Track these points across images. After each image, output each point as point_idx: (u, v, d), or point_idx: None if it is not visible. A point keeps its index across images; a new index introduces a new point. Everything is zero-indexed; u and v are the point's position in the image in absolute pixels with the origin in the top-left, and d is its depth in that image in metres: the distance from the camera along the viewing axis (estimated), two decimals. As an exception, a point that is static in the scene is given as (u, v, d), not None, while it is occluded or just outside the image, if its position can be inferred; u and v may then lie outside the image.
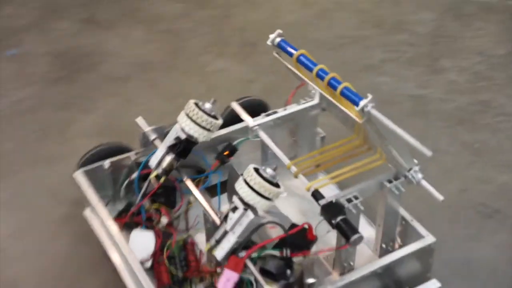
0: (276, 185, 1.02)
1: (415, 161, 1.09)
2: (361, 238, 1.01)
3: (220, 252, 1.03)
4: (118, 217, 1.20)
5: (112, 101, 1.71)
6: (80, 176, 1.26)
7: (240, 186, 1.02)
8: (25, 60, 1.86)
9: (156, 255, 1.14)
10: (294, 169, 1.15)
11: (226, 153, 1.26)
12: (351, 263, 1.14)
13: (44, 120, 1.64)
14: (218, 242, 1.05)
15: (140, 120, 1.26)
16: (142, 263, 1.12)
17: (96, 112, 1.67)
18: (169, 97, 1.72)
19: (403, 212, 1.17)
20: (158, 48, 1.94)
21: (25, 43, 1.94)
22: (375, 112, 0.95)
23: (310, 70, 1.08)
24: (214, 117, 1.16)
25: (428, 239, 1.13)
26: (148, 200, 1.18)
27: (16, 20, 2.07)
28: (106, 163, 1.28)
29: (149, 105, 1.67)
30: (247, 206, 1.01)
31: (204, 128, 1.14)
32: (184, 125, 1.14)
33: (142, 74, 1.81)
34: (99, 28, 2.04)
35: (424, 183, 1.08)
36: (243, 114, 1.29)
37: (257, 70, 1.84)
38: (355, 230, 1.02)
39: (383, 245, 1.19)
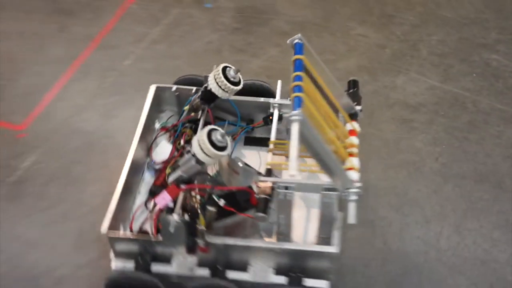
0: (220, 149, 1.28)
1: (356, 183, 1.21)
2: (263, 218, 1.22)
3: (171, 177, 1.39)
4: (164, 127, 1.66)
5: (274, 50, 2.31)
6: (152, 88, 1.68)
7: (194, 138, 1.32)
8: (217, 12, 2.51)
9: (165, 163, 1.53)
10: (271, 146, 1.51)
11: (270, 117, 1.62)
12: (261, 234, 1.45)
13: (224, 59, 2.30)
14: (174, 169, 1.41)
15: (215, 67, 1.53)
16: (154, 162, 1.57)
17: (262, 57, 2.29)
18: (317, 51, 2.27)
19: (336, 215, 1.33)
20: (315, 12, 2.47)
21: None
22: (295, 128, 1.11)
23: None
24: (234, 83, 1.48)
25: (332, 248, 1.32)
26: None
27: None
28: (174, 88, 1.68)
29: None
30: (194, 154, 1.30)
31: (221, 88, 1.48)
32: (209, 82, 1.49)
33: (300, 31, 2.38)
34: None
35: (351, 205, 1.20)
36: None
37: (390, 39, 2.32)
38: (263, 210, 1.22)
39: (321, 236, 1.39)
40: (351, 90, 1.52)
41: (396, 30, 2.36)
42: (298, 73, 1.27)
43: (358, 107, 1.48)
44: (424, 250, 1.64)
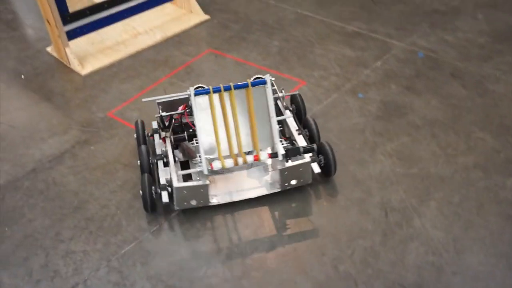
0: None
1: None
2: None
3: None
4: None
5: (407, 138, 2.88)
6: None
7: None
8: (366, 102, 3.17)
9: None
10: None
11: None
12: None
13: (366, 138, 2.92)
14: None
15: None
16: None
17: (396, 142, 2.87)
18: (440, 147, 2.82)
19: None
20: (444, 114, 2.95)
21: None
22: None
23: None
24: None
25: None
26: None
27: None
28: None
29: None
30: None
31: None
32: None
33: (430, 127, 2.94)
34: None
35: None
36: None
37: (505, 146, 2.77)
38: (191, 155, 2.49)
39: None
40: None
41: (510, 139, 2.78)
42: (224, 86, 2.36)
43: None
44: None
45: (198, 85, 2.44)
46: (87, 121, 3.09)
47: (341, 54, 3.54)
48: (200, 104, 2.28)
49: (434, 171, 2.61)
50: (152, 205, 2.32)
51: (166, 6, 4.15)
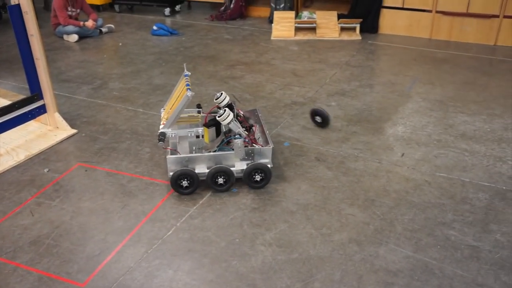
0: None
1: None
2: (160, 142, 3.18)
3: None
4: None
5: (284, 225, 2.95)
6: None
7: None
8: (240, 195, 3.24)
9: None
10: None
11: None
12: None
13: (244, 231, 2.94)
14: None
15: None
16: None
17: (274, 231, 2.93)
18: (316, 227, 2.92)
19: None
20: (315, 197, 3.16)
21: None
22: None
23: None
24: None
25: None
26: None
27: None
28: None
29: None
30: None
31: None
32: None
33: (304, 211, 3.06)
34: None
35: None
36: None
37: (372, 217, 2.96)
38: (160, 139, 3.17)
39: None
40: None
41: (376, 211, 3.00)
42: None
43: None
44: None
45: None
46: None
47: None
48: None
49: (314, 253, 2.68)
50: None
51: (30, 124, 4.01)
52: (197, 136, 3.24)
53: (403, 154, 3.57)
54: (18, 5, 3.57)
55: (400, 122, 4.07)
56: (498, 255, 2.65)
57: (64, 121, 3.99)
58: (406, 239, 2.76)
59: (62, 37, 6.47)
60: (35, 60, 3.75)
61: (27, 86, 3.91)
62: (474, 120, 4.10)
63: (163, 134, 3.20)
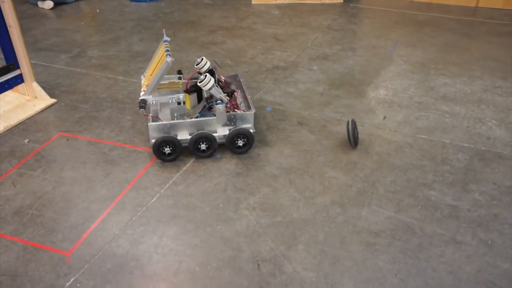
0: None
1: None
2: (142, 109, 3.14)
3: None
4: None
5: (267, 189, 2.98)
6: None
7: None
8: (224, 161, 3.25)
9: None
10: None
11: None
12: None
13: (228, 197, 2.96)
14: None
15: None
16: None
17: (258, 195, 2.95)
18: (299, 190, 2.95)
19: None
20: (298, 161, 3.18)
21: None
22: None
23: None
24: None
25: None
26: None
27: None
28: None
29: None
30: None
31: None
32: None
33: (287, 175, 3.08)
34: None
35: None
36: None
37: (355, 179, 3.00)
38: (141, 106, 3.14)
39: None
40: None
41: (359, 173, 3.04)
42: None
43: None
44: None
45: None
46: None
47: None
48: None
49: (297, 216, 2.71)
50: None
51: (7, 94, 3.93)
52: (179, 103, 3.21)
53: (385, 117, 3.59)
54: (-12, -30, 3.44)
55: (382, 85, 4.08)
56: (476, 213, 2.71)
57: (42, 91, 3.91)
58: (388, 200, 2.80)
59: (36, 4, 6.28)
60: (8, 28, 3.64)
61: (2, 56, 3.80)
62: (455, 82, 4.13)
63: (144, 101, 3.16)
